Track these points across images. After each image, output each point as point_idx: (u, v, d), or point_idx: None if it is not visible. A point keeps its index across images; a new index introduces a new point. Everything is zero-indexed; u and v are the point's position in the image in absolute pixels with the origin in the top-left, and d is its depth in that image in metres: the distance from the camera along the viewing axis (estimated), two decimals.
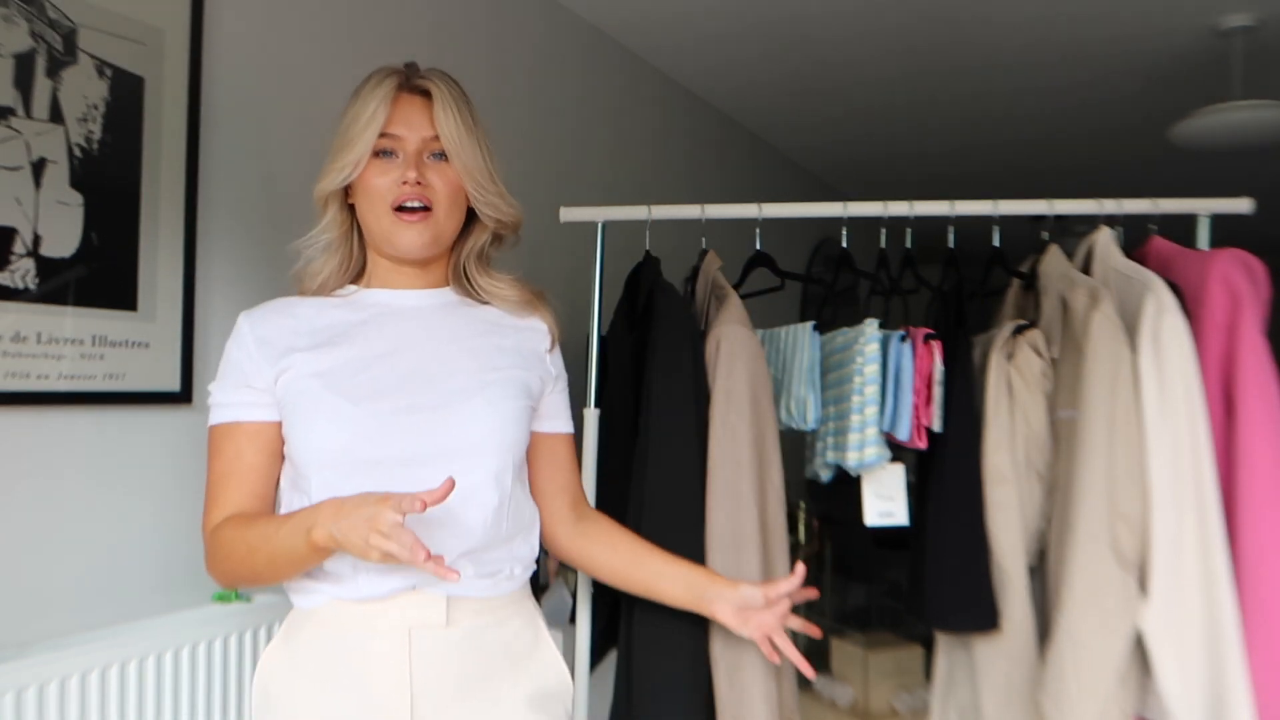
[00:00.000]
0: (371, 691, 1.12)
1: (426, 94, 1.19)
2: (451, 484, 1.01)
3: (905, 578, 1.78)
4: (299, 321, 1.20)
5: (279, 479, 1.20)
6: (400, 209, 1.17)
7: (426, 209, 1.17)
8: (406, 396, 1.15)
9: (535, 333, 1.29)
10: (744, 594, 1.32)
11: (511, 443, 1.19)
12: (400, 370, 1.17)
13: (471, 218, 1.26)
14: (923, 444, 1.61)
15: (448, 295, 1.27)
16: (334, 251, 1.25)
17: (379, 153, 1.18)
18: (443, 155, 1.19)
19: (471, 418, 1.16)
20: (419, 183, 1.16)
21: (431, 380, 1.17)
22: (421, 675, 1.12)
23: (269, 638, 1.69)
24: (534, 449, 1.30)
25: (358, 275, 1.28)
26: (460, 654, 1.14)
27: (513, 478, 1.19)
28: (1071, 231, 2.12)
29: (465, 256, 1.27)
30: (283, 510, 1.18)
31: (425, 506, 0.97)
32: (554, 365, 1.31)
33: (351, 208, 1.23)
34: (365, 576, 1.12)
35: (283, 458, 1.19)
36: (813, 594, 1.39)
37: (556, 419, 1.33)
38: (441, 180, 1.18)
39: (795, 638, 1.38)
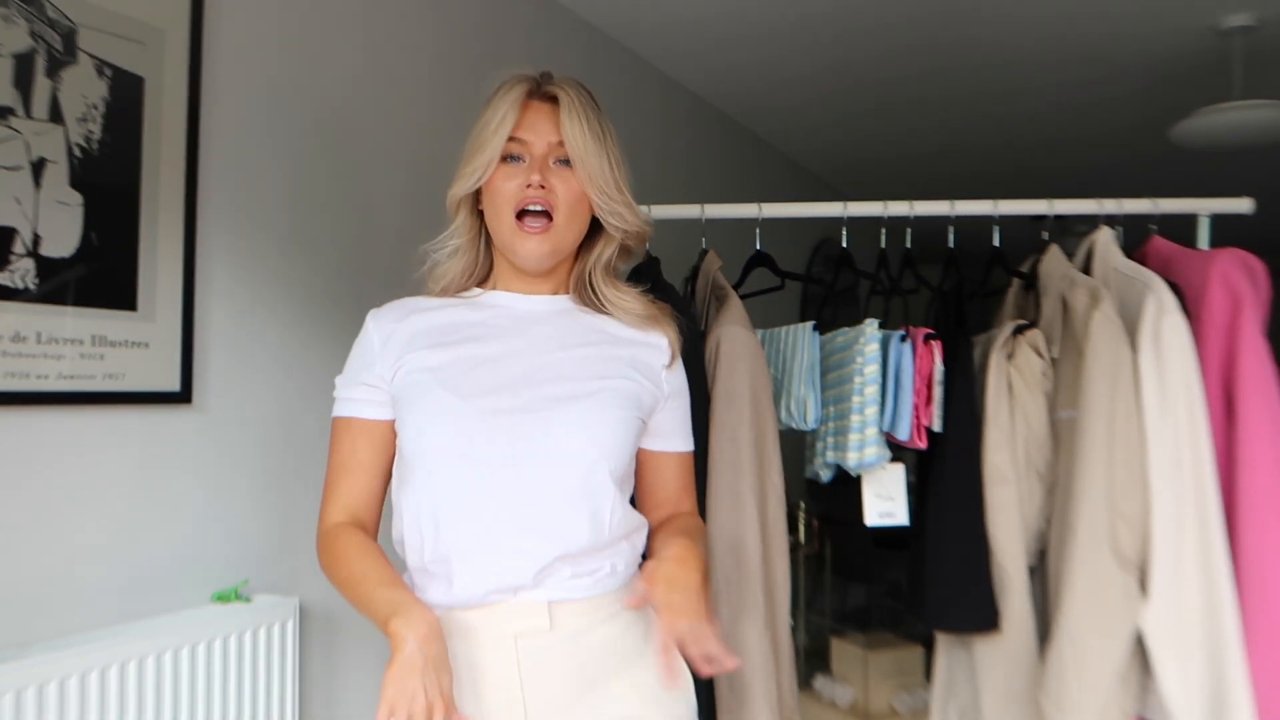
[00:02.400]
0: (485, 701, 1.13)
1: (555, 100, 1.21)
2: None
3: (905, 578, 1.78)
4: (421, 320, 1.23)
5: (390, 475, 1.23)
6: (522, 215, 1.18)
7: (548, 216, 1.18)
8: (512, 397, 1.16)
9: (654, 348, 1.28)
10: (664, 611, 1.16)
11: (612, 451, 1.17)
12: (510, 372, 1.18)
13: (598, 227, 1.26)
14: (923, 444, 1.61)
15: (566, 303, 1.28)
16: (461, 256, 1.27)
17: (506, 158, 1.19)
18: (568, 162, 1.20)
19: (572, 424, 1.16)
20: (542, 186, 1.17)
21: (539, 384, 1.18)
22: (532, 682, 1.13)
23: (269, 638, 1.69)
24: (644, 465, 1.29)
25: (484, 279, 1.29)
26: (568, 657, 1.14)
27: (614, 486, 1.18)
28: (1072, 231, 2.12)
29: (591, 266, 1.27)
30: (395, 506, 1.20)
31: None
32: (670, 382, 1.28)
33: (481, 214, 1.25)
34: (462, 583, 1.14)
35: (395, 453, 1.22)
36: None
37: (670, 437, 1.30)
38: (564, 186, 1.19)
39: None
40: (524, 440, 1.14)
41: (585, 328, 1.26)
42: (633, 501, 1.29)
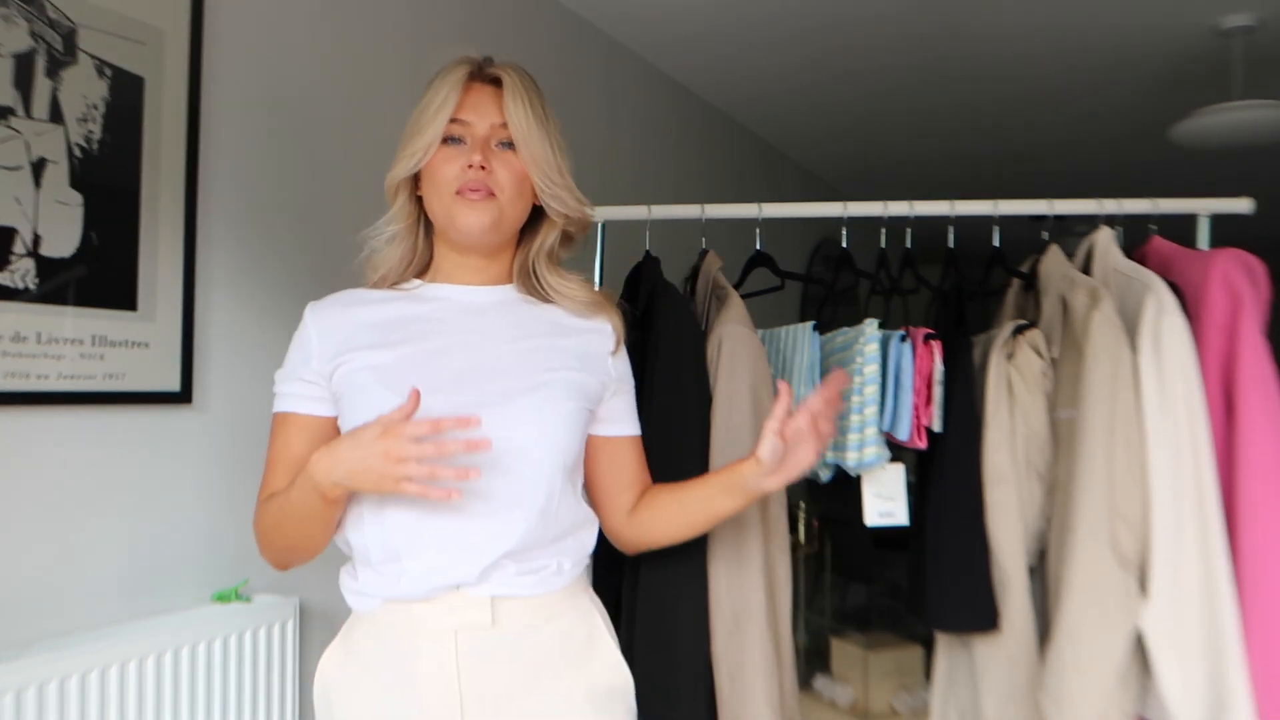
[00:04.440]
0: (422, 695, 1.12)
1: (498, 83, 1.20)
2: (472, 422, 1.02)
3: (905, 578, 1.78)
4: (362, 314, 1.21)
5: None
6: (461, 193, 1.17)
7: (490, 194, 1.17)
8: (459, 394, 1.15)
9: (599, 335, 1.27)
10: (763, 456, 1.18)
11: (561, 444, 1.17)
12: (455, 367, 1.17)
13: (541, 215, 1.25)
14: (923, 444, 1.61)
15: (510, 293, 1.26)
16: (399, 243, 1.25)
17: (448, 140, 1.18)
18: (511, 145, 1.18)
19: (522, 418, 1.15)
20: (483, 167, 1.16)
21: (486, 378, 1.16)
22: (470, 678, 1.12)
23: (269, 638, 1.69)
24: (595, 452, 1.28)
25: (423, 270, 1.28)
26: (508, 654, 1.14)
27: (562, 479, 1.18)
28: (1071, 231, 2.12)
29: (534, 254, 1.26)
30: (347, 505, 1.19)
31: (437, 428, 1.00)
32: (616, 368, 1.28)
33: (420, 200, 1.23)
34: (408, 578, 1.13)
35: None
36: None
37: (619, 422, 1.30)
38: (507, 169, 1.17)
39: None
40: (473, 435, 1.13)
41: (531, 319, 1.24)
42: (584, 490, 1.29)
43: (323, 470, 1.05)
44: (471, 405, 1.14)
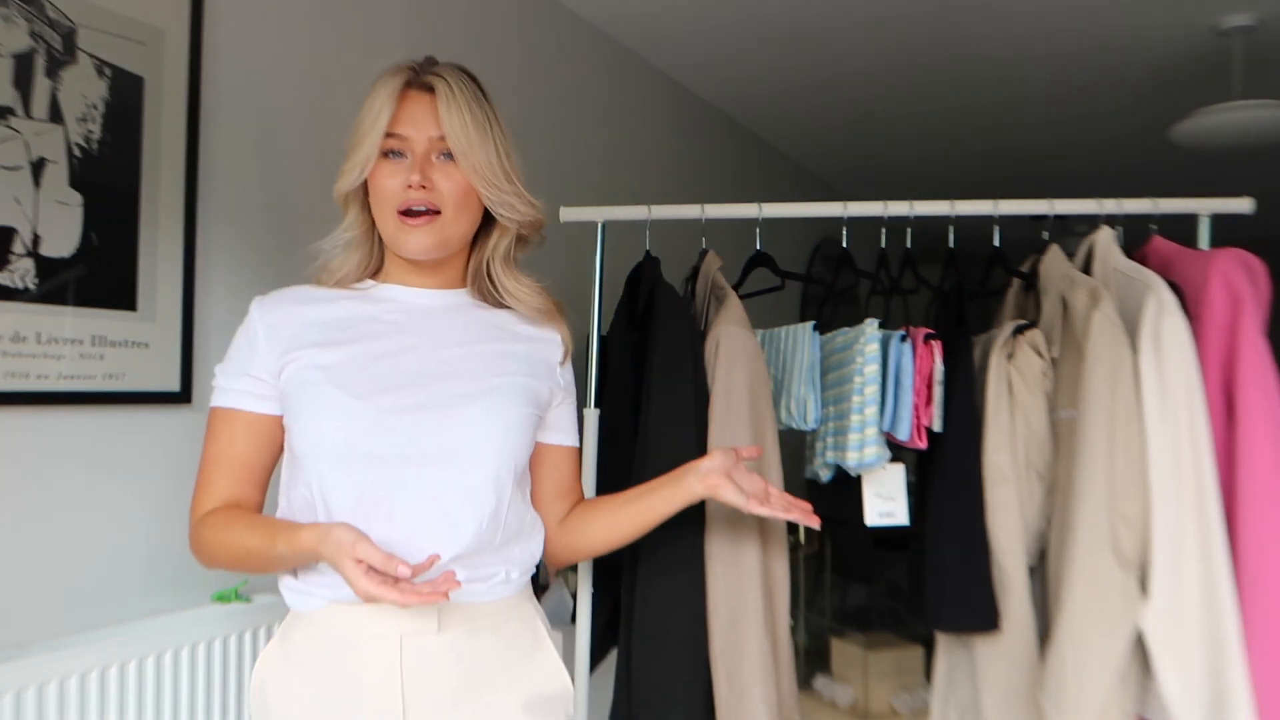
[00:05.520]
0: (364, 698, 1.11)
1: (434, 91, 1.15)
2: (448, 577, 0.99)
3: (905, 578, 1.78)
4: (310, 312, 1.19)
5: (271, 470, 1.20)
6: (406, 213, 1.14)
7: (434, 212, 1.14)
8: (410, 395, 1.14)
9: (548, 343, 1.28)
10: (704, 465, 1.27)
11: (512, 448, 1.17)
12: (405, 368, 1.16)
13: (493, 219, 1.23)
14: (923, 444, 1.61)
15: (462, 297, 1.26)
16: (354, 250, 1.23)
17: (387, 154, 1.15)
18: (452, 155, 1.15)
19: (473, 421, 1.15)
20: (424, 186, 1.13)
21: (436, 380, 1.15)
22: (414, 683, 1.11)
23: (269, 638, 1.69)
24: (537, 459, 1.29)
25: (377, 271, 1.27)
26: (453, 660, 1.13)
27: (512, 484, 1.18)
28: (1072, 231, 2.12)
29: (488, 257, 1.24)
30: (283, 502, 1.17)
31: (399, 573, 0.96)
32: (563, 378, 1.29)
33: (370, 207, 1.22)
34: None
35: (279, 450, 1.19)
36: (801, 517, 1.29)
37: (561, 431, 1.31)
38: (449, 182, 1.14)
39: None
40: (422, 438, 1.12)
41: (482, 324, 1.24)
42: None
43: (314, 547, 1.03)
44: (422, 406, 1.13)
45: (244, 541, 1.11)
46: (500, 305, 1.27)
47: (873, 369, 1.61)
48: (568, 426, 1.32)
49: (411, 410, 1.13)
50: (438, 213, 1.15)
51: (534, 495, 1.30)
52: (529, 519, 1.25)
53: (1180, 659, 1.41)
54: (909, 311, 1.90)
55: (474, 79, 1.18)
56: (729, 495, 1.25)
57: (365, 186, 1.19)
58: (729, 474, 1.26)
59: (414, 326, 1.20)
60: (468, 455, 1.14)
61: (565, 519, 1.32)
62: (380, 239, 1.23)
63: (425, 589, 0.97)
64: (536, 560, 1.26)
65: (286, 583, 1.17)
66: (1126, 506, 1.44)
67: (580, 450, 1.38)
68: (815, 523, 1.26)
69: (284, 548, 1.07)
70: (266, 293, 1.22)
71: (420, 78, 1.16)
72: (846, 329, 1.70)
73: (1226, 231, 1.66)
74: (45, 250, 1.46)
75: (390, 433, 1.12)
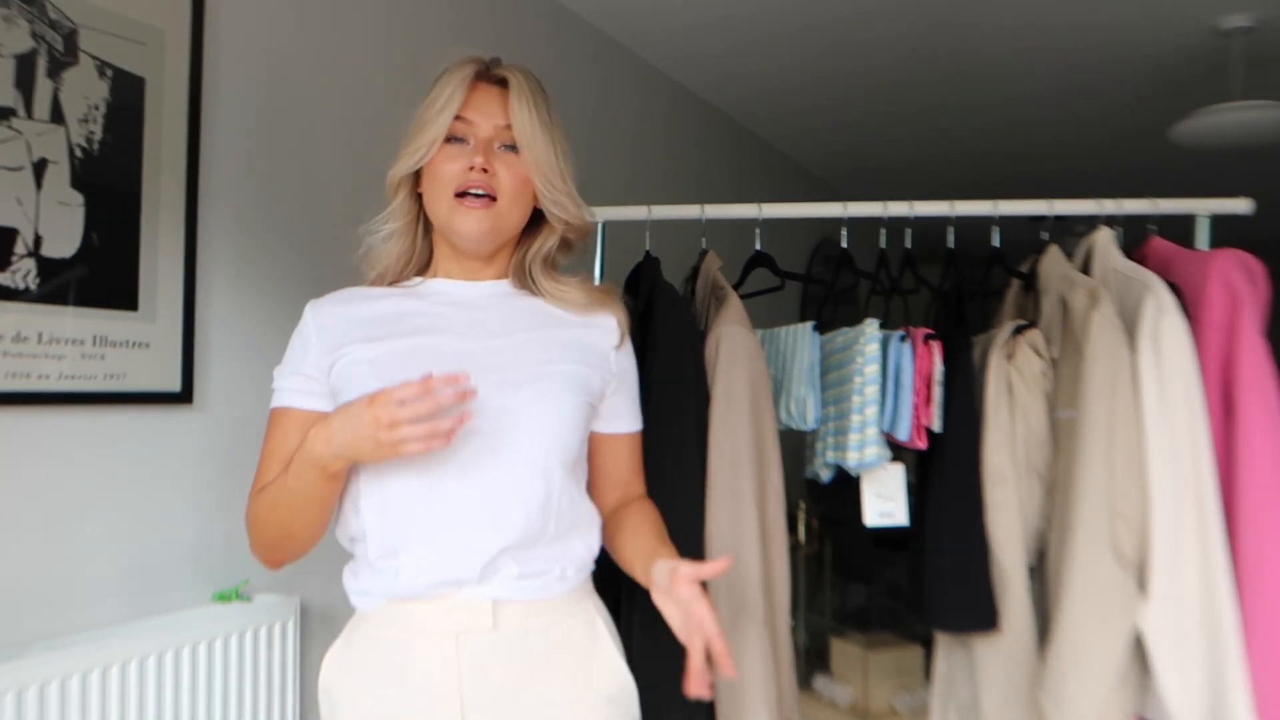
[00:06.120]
0: (423, 695, 1.12)
1: (504, 84, 1.18)
2: (460, 379, 1.01)
3: (905, 578, 1.78)
4: (358, 310, 1.21)
5: None
6: (462, 196, 1.16)
7: (490, 198, 1.16)
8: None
9: (601, 329, 1.25)
10: (655, 574, 1.13)
11: (561, 437, 1.16)
12: (452, 360, 1.15)
13: (540, 219, 1.24)
14: (923, 444, 1.61)
15: (504, 287, 1.26)
16: (397, 239, 1.24)
17: (451, 139, 1.17)
18: (514, 147, 1.17)
19: (521, 410, 1.14)
20: (485, 169, 1.15)
21: (484, 370, 1.14)
22: (470, 681, 1.11)
23: (269, 638, 1.70)
24: (594, 449, 1.27)
25: (423, 268, 1.27)
26: (509, 658, 1.13)
27: (563, 473, 1.16)
28: (1071, 232, 2.12)
29: (531, 258, 1.25)
30: (345, 499, 1.19)
31: (425, 388, 0.99)
32: (618, 363, 1.26)
33: (419, 197, 1.22)
34: (406, 575, 1.12)
35: None
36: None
37: (620, 419, 1.28)
38: (509, 171, 1.17)
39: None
40: (471, 430, 1.11)
41: (528, 311, 1.24)
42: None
43: (321, 442, 1.05)
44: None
45: (269, 497, 1.14)
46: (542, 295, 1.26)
47: (873, 369, 1.61)
48: (625, 413, 1.29)
49: (460, 402, 1.13)
50: (494, 200, 1.16)
51: (589, 484, 1.28)
52: (585, 511, 1.22)
53: (1179, 658, 1.41)
54: (909, 311, 1.90)
55: (540, 83, 1.22)
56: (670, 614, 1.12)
57: (416, 177, 1.21)
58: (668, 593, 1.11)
59: (460, 318, 1.21)
60: (514, 446, 1.13)
61: (613, 512, 1.29)
62: (422, 232, 1.25)
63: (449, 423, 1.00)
64: (594, 555, 1.24)
65: (348, 584, 1.19)
66: (1126, 506, 1.44)
67: (641, 433, 1.32)
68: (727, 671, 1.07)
69: (291, 472, 1.09)
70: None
71: (490, 71, 1.20)
72: (846, 329, 1.70)
73: (1225, 232, 1.67)
74: (47, 250, 1.46)
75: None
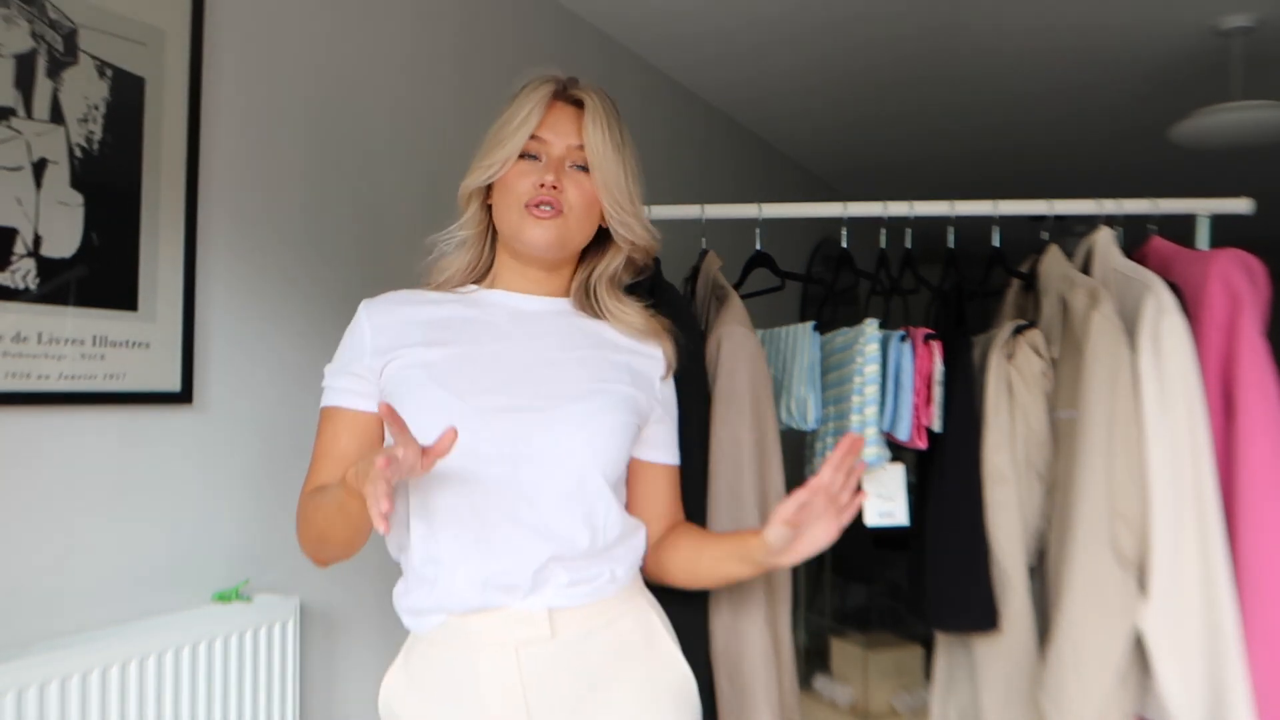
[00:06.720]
0: (489, 709, 1.12)
1: (580, 104, 1.22)
2: (452, 436, 0.97)
3: (905, 578, 1.78)
4: (415, 312, 1.22)
5: None
6: (531, 206, 1.18)
7: (558, 211, 1.18)
8: (509, 396, 1.15)
9: (650, 358, 1.27)
10: (769, 540, 1.15)
11: (607, 451, 1.17)
12: (506, 370, 1.17)
13: (605, 239, 1.26)
14: (923, 444, 1.61)
15: (564, 305, 1.27)
16: (466, 249, 1.27)
17: (525, 155, 1.19)
18: (585, 167, 1.20)
19: (571, 424, 1.15)
20: (554, 187, 1.17)
21: (536, 383, 1.17)
22: (535, 690, 1.12)
23: (269, 638, 1.69)
24: (634, 476, 1.28)
25: (482, 277, 1.29)
26: (571, 663, 1.14)
27: (609, 489, 1.17)
28: (1071, 232, 2.12)
29: (596, 277, 1.27)
30: (397, 508, 1.18)
31: (415, 460, 0.96)
32: (662, 393, 1.28)
33: (489, 209, 1.24)
34: (458, 587, 1.12)
35: (380, 445, 1.20)
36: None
37: (660, 448, 1.29)
38: (578, 190, 1.19)
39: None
40: (521, 440, 1.13)
41: (583, 331, 1.25)
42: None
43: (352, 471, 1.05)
44: (521, 408, 1.14)
45: (315, 500, 1.15)
46: (600, 317, 1.28)
47: (873, 369, 1.61)
48: (666, 443, 1.30)
49: (511, 412, 1.14)
50: (562, 213, 1.18)
51: (629, 509, 1.28)
52: (628, 523, 1.23)
53: (1179, 658, 1.41)
54: (909, 311, 1.90)
55: (614, 104, 1.24)
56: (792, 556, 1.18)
57: (488, 189, 1.23)
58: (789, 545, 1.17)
59: (516, 330, 1.22)
60: (564, 458, 1.14)
61: (656, 546, 1.29)
62: (490, 243, 1.27)
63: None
64: (641, 554, 1.25)
65: (400, 604, 1.20)
66: (1126, 506, 1.44)
67: (680, 470, 1.33)
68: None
69: (337, 488, 1.09)
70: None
71: (567, 91, 1.23)
72: (846, 329, 1.70)
73: (1225, 232, 1.67)
74: (46, 250, 1.46)
75: (488, 432, 1.12)
